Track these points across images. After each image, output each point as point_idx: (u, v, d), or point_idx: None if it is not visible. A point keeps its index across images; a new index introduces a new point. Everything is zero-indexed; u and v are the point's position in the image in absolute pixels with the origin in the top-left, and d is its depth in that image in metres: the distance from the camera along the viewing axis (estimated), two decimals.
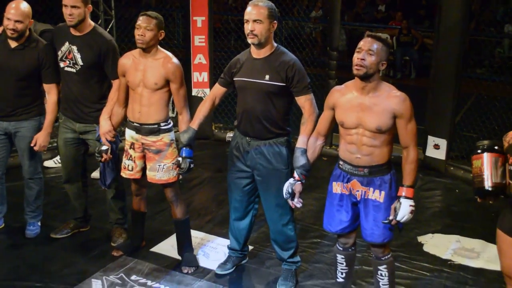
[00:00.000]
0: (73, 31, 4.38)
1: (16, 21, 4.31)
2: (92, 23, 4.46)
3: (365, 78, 3.40)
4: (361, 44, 3.42)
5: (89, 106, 4.45)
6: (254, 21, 3.71)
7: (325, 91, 5.63)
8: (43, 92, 4.64)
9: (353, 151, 3.52)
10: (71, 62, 4.40)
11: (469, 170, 5.84)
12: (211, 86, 6.76)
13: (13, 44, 4.44)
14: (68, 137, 4.58)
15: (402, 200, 3.44)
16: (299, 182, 3.69)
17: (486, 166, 3.06)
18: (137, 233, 4.60)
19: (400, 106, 3.39)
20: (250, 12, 3.75)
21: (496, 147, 3.09)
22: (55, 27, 4.55)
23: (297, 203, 3.71)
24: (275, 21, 3.79)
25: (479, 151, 3.12)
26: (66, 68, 4.44)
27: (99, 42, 4.38)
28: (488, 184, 3.05)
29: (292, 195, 3.69)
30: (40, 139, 4.51)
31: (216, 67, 7.07)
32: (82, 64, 4.37)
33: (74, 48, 4.38)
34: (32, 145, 4.51)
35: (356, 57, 3.39)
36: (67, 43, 4.40)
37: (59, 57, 4.45)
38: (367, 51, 3.36)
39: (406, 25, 11.39)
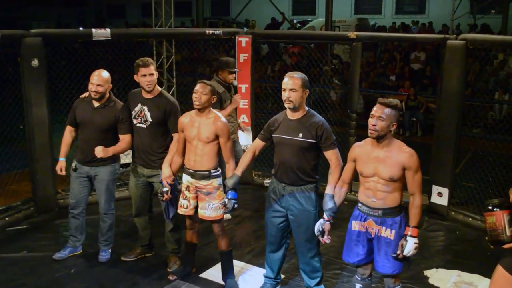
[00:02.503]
0: (144, 94, 4.50)
1: (98, 85, 4.46)
2: (159, 88, 4.58)
3: (378, 138, 3.43)
4: (374, 110, 3.44)
5: (155, 155, 4.52)
6: (290, 89, 3.77)
7: (346, 146, 5.62)
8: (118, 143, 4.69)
9: (369, 196, 3.54)
10: (142, 119, 4.49)
11: (468, 215, 5.79)
12: (252, 140, 6.77)
13: (96, 104, 4.57)
14: (138, 180, 4.64)
15: (408, 238, 3.44)
16: (328, 222, 3.71)
17: (500, 222, 3.07)
18: (189, 261, 4.58)
19: (408, 160, 3.42)
20: (287, 82, 3.80)
21: (505, 204, 3.10)
22: (130, 92, 4.69)
23: (326, 239, 3.73)
24: (307, 90, 3.84)
25: (490, 207, 3.13)
26: (138, 124, 4.53)
27: (165, 103, 4.48)
28: (504, 237, 3.06)
29: (322, 233, 3.71)
30: (98, 150, 4.43)
31: (256, 125, 7.08)
32: (151, 120, 4.47)
33: (145, 108, 4.48)
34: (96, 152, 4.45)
35: (369, 122, 3.43)
36: (139, 104, 4.51)
37: (132, 116, 4.55)
38: (378, 118, 3.40)
39: (413, 92, 11.34)
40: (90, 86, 4.50)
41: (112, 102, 4.61)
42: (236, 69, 5.41)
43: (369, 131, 3.45)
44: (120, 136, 4.62)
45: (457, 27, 15.71)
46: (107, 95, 4.60)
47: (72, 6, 28.24)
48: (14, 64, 5.69)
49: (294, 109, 3.84)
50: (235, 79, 5.63)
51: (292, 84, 3.78)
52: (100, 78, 4.50)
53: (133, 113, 4.55)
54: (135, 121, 4.56)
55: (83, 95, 4.75)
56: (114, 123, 4.58)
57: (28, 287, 4.38)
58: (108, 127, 4.57)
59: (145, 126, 4.51)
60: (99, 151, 4.45)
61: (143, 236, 4.87)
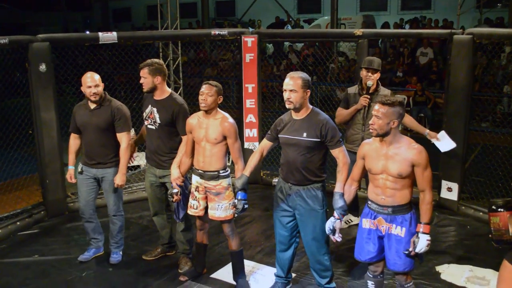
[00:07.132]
0: (155, 96, 4.51)
1: (96, 85, 4.52)
2: (169, 90, 4.58)
3: (379, 136, 3.45)
4: (374, 109, 3.46)
5: (165, 155, 4.52)
6: (291, 90, 3.74)
7: None
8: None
9: (378, 193, 3.51)
10: (152, 120, 4.51)
11: (478, 209, 5.75)
12: (259, 140, 6.78)
13: (92, 105, 4.61)
14: (151, 180, 4.66)
15: (420, 235, 3.42)
16: (339, 220, 3.70)
17: (504, 222, 3.04)
18: (200, 261, 4.57)
19: (417, 157, 3.39)
20: (287, 83, 3.77)
21: (509, 205, 3.07)
22: (144, 95, 4.72)
23: (337, 237, 3.70)
24: (308, 90, 3.78)
25: (494, 207, 3.10)
26: (148, 126, 4.56)
27: (173, 105, 4.47)
28: (508, 237, 3.03)
29: (333, 231, 3.69)
30: (118, 179, 4.63)
31: (264, 125, 7.08)
32: (159, 122, 4.47)
33: (155, 109, 4.49)
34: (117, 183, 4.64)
35: (370, 121, 3.46)
36: (150, 106, 4.53)
37: (143, 117, 4.58)
38: (375, 116, 3.41)
39: (421, 88, 11.27)
40: (87, 90, 4.53)
41: (107, 101, 4.64)
42: (369, 67, 5.10)
43: (369, 129, 3.48)
44: (118, 135, 4.65)
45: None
46: (103, 95, 4.63)
47: (78, 11, 28.41)
48: (22, 70, 5.72)
49: (296, 110, 3.82)
50: (370, 79, 5.20)
51: (292, 85, 3.74)
52: (94, 79, 4.53)
53: (144, 114, 4.59)
54: (146, 123, 4.59)
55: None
56: (112, 122, 4.60)
57: None
58: (106, 127, 4.60)
59: (154, 127, 4.52)
60: (119, 181, 4.62)
61: (163, 235, 4.90)
